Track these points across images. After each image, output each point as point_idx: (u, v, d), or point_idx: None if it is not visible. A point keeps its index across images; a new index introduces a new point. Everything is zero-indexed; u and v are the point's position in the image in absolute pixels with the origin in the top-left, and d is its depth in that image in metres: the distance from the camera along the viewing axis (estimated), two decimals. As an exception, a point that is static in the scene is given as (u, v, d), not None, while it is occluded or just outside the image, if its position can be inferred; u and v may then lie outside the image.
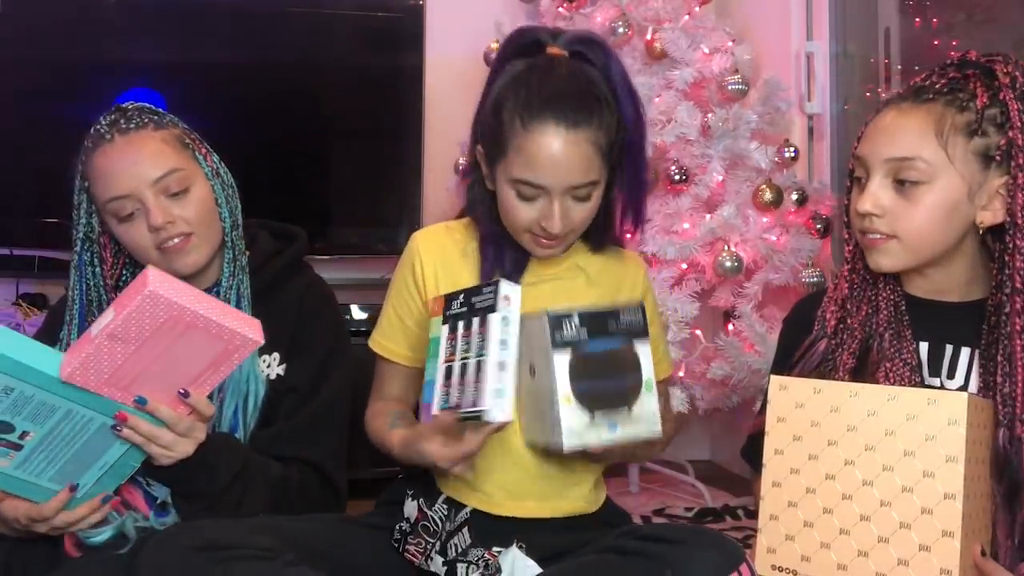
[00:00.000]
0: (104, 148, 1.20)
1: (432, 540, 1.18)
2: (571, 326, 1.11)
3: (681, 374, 2.21)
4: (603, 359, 1.12)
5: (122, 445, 1.07)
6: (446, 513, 1.19)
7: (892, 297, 1.17)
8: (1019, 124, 1.04)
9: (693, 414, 2.28)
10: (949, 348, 1.14)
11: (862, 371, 1.15)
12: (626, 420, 1.11)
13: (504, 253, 1.26)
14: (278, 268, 1.33)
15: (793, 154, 2.21)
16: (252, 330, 1.06)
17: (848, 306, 1.19)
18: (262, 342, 1.06)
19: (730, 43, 2.24)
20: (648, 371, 1.14)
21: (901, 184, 1.08)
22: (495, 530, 1.18)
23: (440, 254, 1.28)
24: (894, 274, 1.16)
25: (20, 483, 1.05)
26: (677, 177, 2.16)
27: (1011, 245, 1.05)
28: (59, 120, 2.25)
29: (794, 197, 2.18)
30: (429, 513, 1.20)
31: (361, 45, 2.54)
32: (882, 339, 1.15)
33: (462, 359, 1.09)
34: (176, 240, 1.22)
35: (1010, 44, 1.94)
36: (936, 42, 2.16)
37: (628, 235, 1.37)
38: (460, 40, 2.54)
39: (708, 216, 2.16)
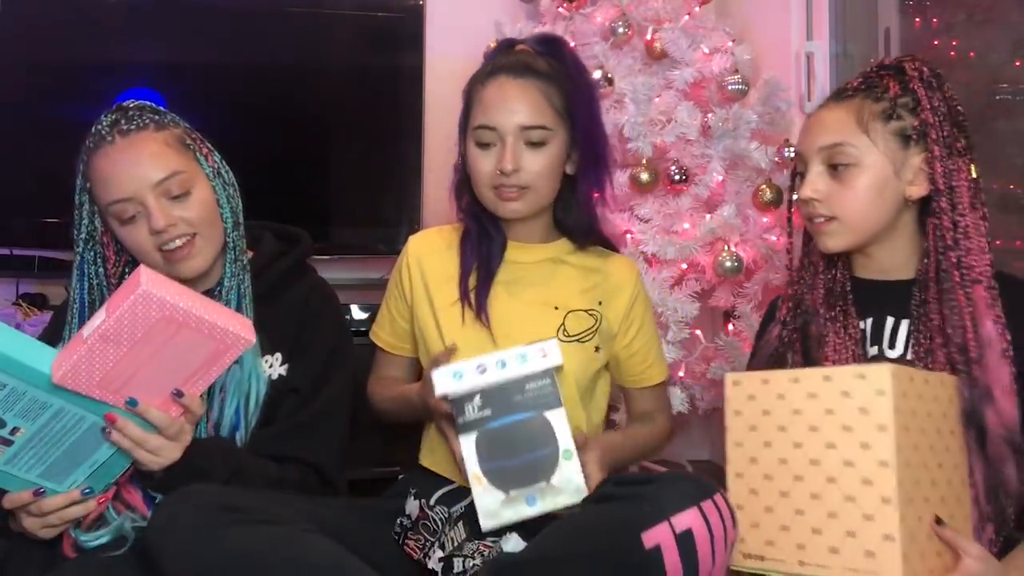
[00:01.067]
0: (105, 149, 1.20)
1: (432, 539, 1.18)
2: (473, 407, 1.12)
3: (681, 374, 2.21)
4: (512, 435, 1.12)
5: (112, 444, 1.07)
6: (447, 516, 1.19)
7: (829, 281, 1.29)
8: (928, 106, 1.20)
9: (693, 414, 2.28)
10: (890, 320, 1.23)
11: (811, 349, 1.26)
12: (546, 492, 1.11)
13: (482, 245, 1.35)
14: (282, 270, 1.34)
15: (793, 154, 2.20)
16: (244, 329, 1.06)
17: (798, 293, 1.31)
18: (253, 341, 1.06)
19: (730, 43, 2.24)
20: (565, 440, 1.13)
21: (835, 169, 1.22)
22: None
23: (427, 251, 1.40)
24: (838, 259, 1.29)
25: (7, 478, 1.04)
26: (677, 177, 2.16)
27: (937, 209, 1.19)
28: (59, 120, 2.25)
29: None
30: (431, 514, 1.21)
31: (361, 45, 2.54)
32: (818, 315, 1.26)
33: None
34: (179, 242, 1.22)
35: (1010, 44, 1.94)
36: (936, 42, 2.16)
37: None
38: (460, 40, 2.54)
39: (708, 216, 2.16)
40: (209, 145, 1.31)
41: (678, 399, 2.16)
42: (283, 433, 1.26)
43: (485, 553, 1.14)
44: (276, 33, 2.48)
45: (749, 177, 2.21)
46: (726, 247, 2.14)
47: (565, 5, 2.28)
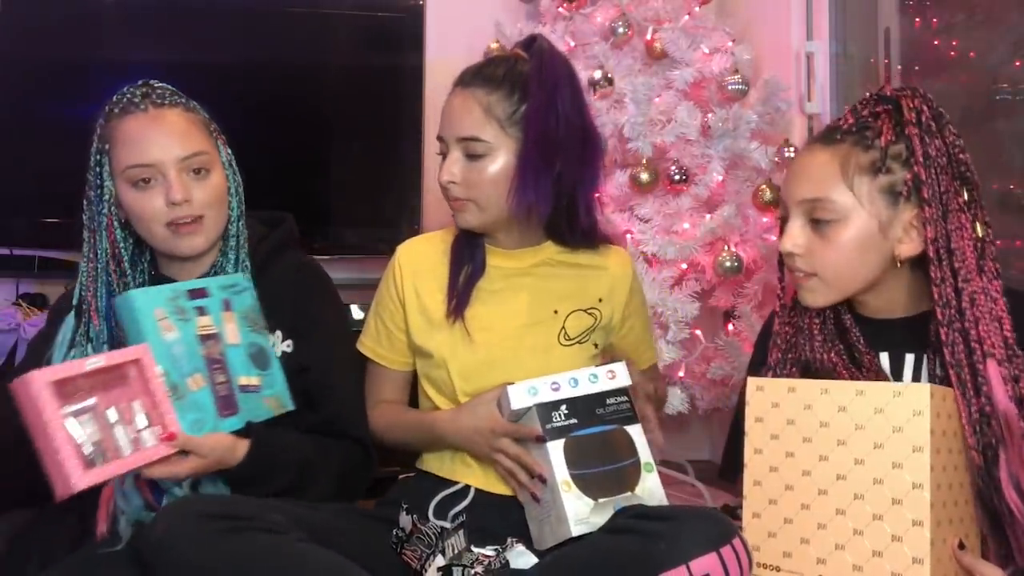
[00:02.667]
0: (136, 115, 1.23)
1: (427, 551, 1.18)
2: (560, 415, 1.16)
3: (681, 374, 2.22)
4: (596, 444, 1.16)
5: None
6: (439, 531, 1.19)
7: (825, 320, 1.19)
8: (921, 159, 1.07)
9: (693, 414, 2.28)
10: (910, 357, 1.15)
11: None
12: (631, 501, 1.13)
13: (469, 254, 1.33)
14: (266, 250, 1.35)
15: (793, 154, 2.21)
16: (69, 474, 0.99)
17: (789, 335, 1.21)
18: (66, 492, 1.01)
19: (730, 43, 2.24)
20: (645, 453, 1.17)
21: (817, 223, 1.12)
22: (489, 533, 1.19)
23: (418, 261, 1.36)
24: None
25: None
26: (677, 177, 2.17)
27: (937, 278, 1.07)
28: (59, 120, 2.26)
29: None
30: (423, 528, 1.20)
31: (361, 45, 2.54)
32: (821, 364, 1.17)
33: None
34: (188, 220, 1.24)
35: (1010, 44, 1.94)
36: (936, 42, 2.16)
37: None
38: (460, 40, 2.54)
39: (708, 216, 2.16)
40: (224, 138, 1.34)
41: (678, 399, 2.16)
42: (324, 423, 1.28)
43: (486, 563, 1.14)
44: (276, 33, 2.48)
45: (749, 177, 2.21)
46: (726, 247, 2.14)
47: (565, 5, 2.28)
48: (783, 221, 1.18)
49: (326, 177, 2.57)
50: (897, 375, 1.16)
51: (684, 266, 2.17)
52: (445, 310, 1.30)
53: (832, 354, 1.17)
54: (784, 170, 2.22)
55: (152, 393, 1.09)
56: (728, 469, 1.30)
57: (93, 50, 2.35)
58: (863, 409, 1.02)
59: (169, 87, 1.31)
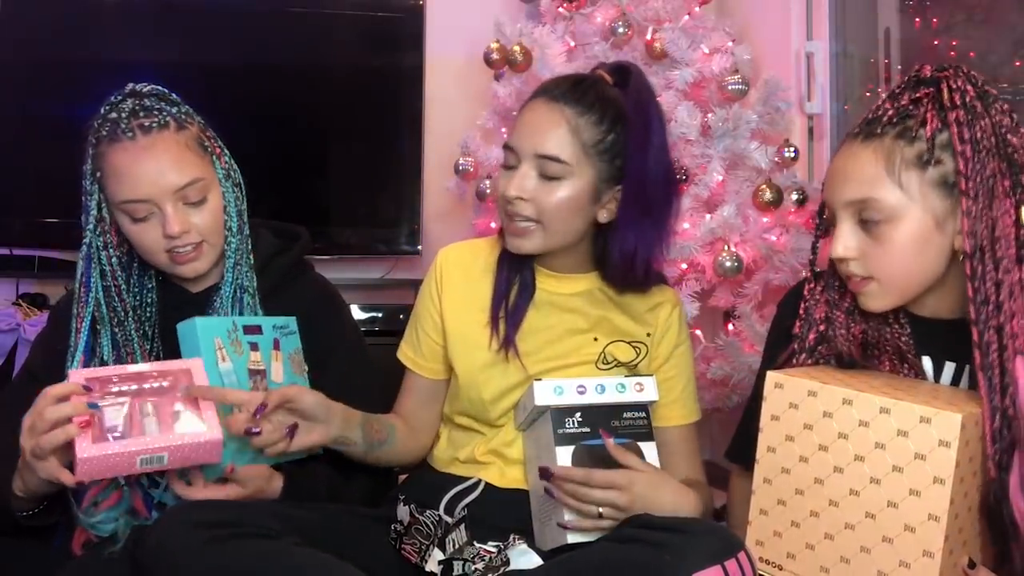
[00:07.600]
0: (124, 145, 1.17)
1: (426, 542, 1.18)
2: (573, 422, 1.15)
3: (681, 374, 2.21)
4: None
5: None
6: (437, 520, 1.19)
7: (872, 322, 1.13)
8: (961, 147, 1.00)
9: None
10: (951, 365, 1.11)
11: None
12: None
13: (516, 272, 1.28)
14: (283, 267, 1.34)
15: (793, 154, 2.20)
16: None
17: (825, 332, 1.16)
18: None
19: (730, 43, 2.24)
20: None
21: (867, 223, 1.05)
22: (492, 527, 1.19)
23: (461, 271, 1.32)
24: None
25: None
26: (677, 177, 2.16)
27: (979, 272, 1.00)
28: (59, 120, 2.25)
29: (794, 197, 2.18)
30: (421, 518, 1.20)
31: (361, 45, 2.54)
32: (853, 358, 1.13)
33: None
34: (188, 248, 1.21)
35: (1010, 44, 1.94)
36: (936, 42, 2.16)
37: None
38: (460, 40, 2.54)
39: (708, 216, 2.16)
40: (220, 143, 1.28)
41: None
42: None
43: (487, 559, 1.13)
44: (277, 33, 2.48)
45: (749, 177, 2.21)
46: (726, 247, 2.14)
47: (565, 5, 2.27)
48: (827, 223, 1.12)
49: (326, 177, 2.57)
50: (938, 381, 1.12)
51: (684, 266, 2.17)
52: (488, 335, 1.27)
53: (863, 354, 1.13)
54: (784, 169, 2.22)
55: (201, 406, 1.09)
56: (735, 451, 1.30)
57: (93, 50, 2.36)
58: (886, 428, 0.96)
59: (159, 92, 1.24)
